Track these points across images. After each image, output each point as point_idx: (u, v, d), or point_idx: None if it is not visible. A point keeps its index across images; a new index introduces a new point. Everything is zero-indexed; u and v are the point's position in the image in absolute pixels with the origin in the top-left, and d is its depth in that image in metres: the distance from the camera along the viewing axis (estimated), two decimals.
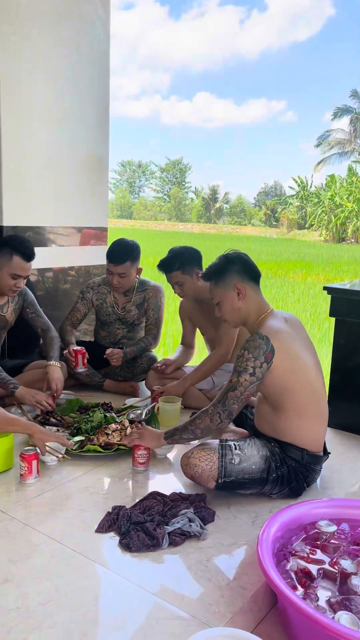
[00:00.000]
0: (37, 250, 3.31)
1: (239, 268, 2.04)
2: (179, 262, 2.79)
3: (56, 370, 2.70)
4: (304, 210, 42.76)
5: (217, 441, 1.97)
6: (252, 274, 2.06)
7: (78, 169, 3.60)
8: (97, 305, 3.14)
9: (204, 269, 2.19)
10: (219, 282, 2.06)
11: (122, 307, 3.12)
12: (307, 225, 41.44)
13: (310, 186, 43.78)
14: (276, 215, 48.63)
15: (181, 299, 3.03)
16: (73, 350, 2.85)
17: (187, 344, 3.15)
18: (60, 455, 2.15)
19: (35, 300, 2.89)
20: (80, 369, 2.86)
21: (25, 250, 2.58)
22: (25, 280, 2.66)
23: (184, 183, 66.33)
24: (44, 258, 3.41)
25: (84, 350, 2.86)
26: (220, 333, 2.77)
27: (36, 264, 3.25)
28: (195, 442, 2.00)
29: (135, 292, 3.12)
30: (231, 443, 1.95)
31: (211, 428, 1.95)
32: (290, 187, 46.48)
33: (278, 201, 48.60)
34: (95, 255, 3.82)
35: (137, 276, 3.09)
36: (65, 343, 2.99)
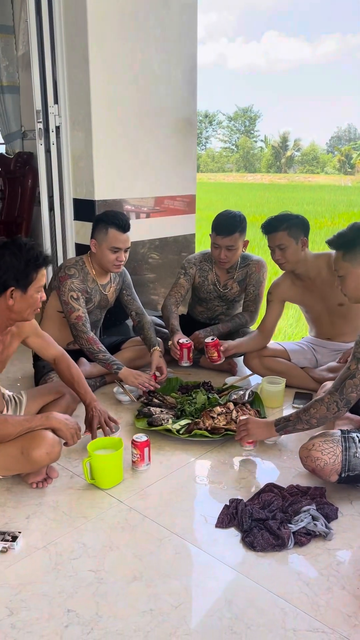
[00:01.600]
0: None
1: None
2: (286, 222, 2.56)
3: (160, 355, 2.73)
4: None
5: (338, 432, 1.86)
6: None
7: (167, 136, 3.46)
8: (199, 282, 3.01)
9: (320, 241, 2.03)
10: (348, 254, 1.90)
11: (224, 284, 2.99)
12: None
13: None
14: (351, 161, 46.07)
15: (276, 280, 2.77)
16: (178, 343, 2.75)
17: (266, 331, 2.76)
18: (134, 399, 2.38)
19: (132, 284, 2.84)
20: (185, 363, 2.76)
21: (119, 221, 2.52)
22: (126, 254, 2.60)
23: (252, 132, 64.00)
24: (135, 231, 3.34)
25: (191, 344, 2.75)
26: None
27: None
28: (317, 435, 1.90)
29: (237, 268, 2.97)
30: (354, 435, 1.83)
31: (328, 417, 1.85)
32: None
33: (353, 146, 45.91)
34: (185, 225, 3.71)
35: (244, 249, 2.93)
36: (170, 328, 2.89)
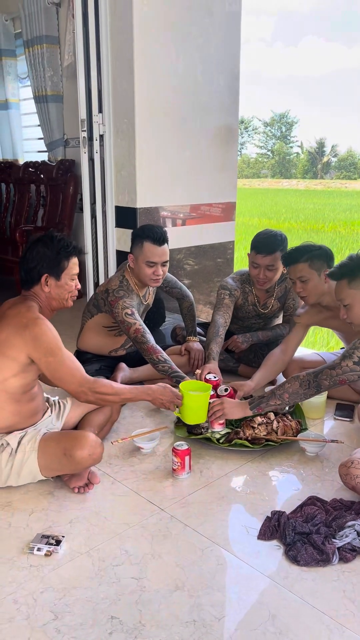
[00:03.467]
0: (167, 230, 3.29)
1: None
2: (308, 254, 2.41)
3: (195, 343, 2.85)
4: None
5: None
6: None
7: (208, 143, 3.47)
8: (240, 304, 2.93)
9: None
10: (353, 281, 1.96)
11: (264, 304, 2.94)
12: None
13: None
14: None
15: (300, 310, 2.64)
16: (205, 378, 2.50)
17: (288, 351, 2.62)
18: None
19: (168, 276, 2.86)
20: (220, 428, 2.35)
21: (154, 234, 2.50)
22: (165, 268, 2.57)
23: (289, 137, 63.60)
24: (174, 238, 3.36)
25: (218, 382, 2.52)
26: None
27: None
28: (358, 452, 1.86)
29: (276, 285, 2.90)
30: None
31: (299, 393, 2.02)
32: None
33: None
34: (223, 233, 3.71)
35: (284, 269, 2.80)
36: (207, 352, 2.69)
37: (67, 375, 1.87)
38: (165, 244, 2.54)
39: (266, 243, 2.71)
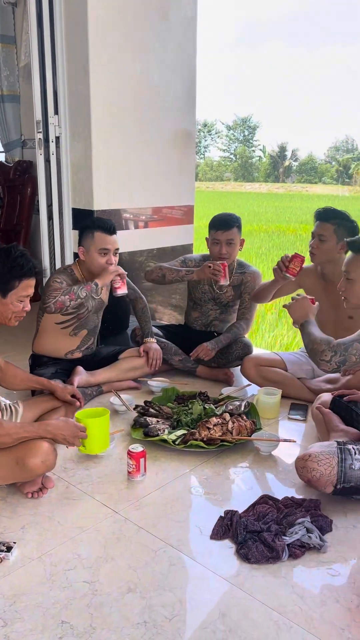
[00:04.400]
0: (125, 233, 3.30)
1: None
2: (339, 219, 2.59)
3: (153, 344, 2.87)
4: None
5: (334, 443, 1.87)
6: None
7: (166, 146, 3.49)
8: (194, 280, 3.05)
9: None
10: None
11: (219, 286, 3.04)
12: None
13: None
14: (349, 172, 46.36)
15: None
16: (220, 263, 2.78)
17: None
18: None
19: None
20: (226, 282, 2.80)
21: (104, 224, 2.61)
22: (116, 258, 2.65)
23: (251, 141, 64.37)
24: (132, 241, 3.37)
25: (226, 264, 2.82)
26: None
27: (124, 247, 3.23)
28: (314, 447, 1.90)
29: (234, 272, 3.04)
30: (350, 447, 1.84)
31: (317, 351, 1.92)
32: None
33: (351, 157, 46.22)
34: (183, 235, 3.73)
35: (240, 248, 3.01)
36: (177, 272, 2.93)
37: None
38: (115, 235, 2.62)
39: (224, 219, 2.93)
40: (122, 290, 2.63)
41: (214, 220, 2.97)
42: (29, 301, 1.94)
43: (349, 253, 2.06)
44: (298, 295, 2.36)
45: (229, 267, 2.93)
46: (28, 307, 1.94)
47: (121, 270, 2.61)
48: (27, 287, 1.90)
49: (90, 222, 2.65)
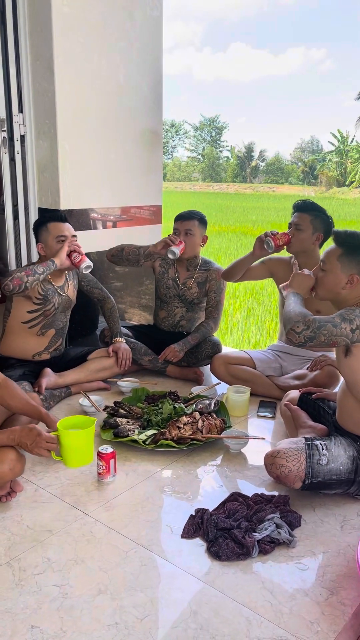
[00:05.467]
0: (93, 233, 3.29)
1: None
2: (317, 212, 2.66)
3: (122, 344, 2.88)
4: (343, 166, 41.24)
5: (302, 439, 1.90)
6: None
7: (133, 146, 3.47)
8: (159, 273, 3.11)
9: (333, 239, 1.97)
10: (347, 256, 1.86)
11: (183, 282, 3.06)
12: (347, 183, 40.03)
13: (351, 141, 42.05)
14: (314, 172, 47.10)
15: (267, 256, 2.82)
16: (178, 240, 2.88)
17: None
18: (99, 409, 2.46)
19: (89, 274, 2.86)
20: (177, 250, 2.84)
21: (54, 215, 2.67)
22: (73, 239, 2.64)
23: (219, 142, 64.72)
24: (100, 240, 3.34)
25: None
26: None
27: (92, 246, 3.20)
28: (282, 443, 1.92)
29: (198, 269, 3.06)
30: (318, 443, 1.87)
31: (292, 320, 1.83)
32: (330, 142, 44.88)
33: (316, 157, 46.96)
34: (151, 235, 3.72)
35: (202, 244, 3.05)
36: (140, 249, 3.03)
37: None
38: (68, 223, 2.65)
39: (186, 212, 3.06)
40: (85, 263, 2.60)
41: (177, 214, 3.06)
42: None
43: (331, 244, 1.98)
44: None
45: (192, 263, 3.02)
46: None
47: (75, 242, 2.62)
48: None
49: (41, 217, 2.74)
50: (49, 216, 2.68)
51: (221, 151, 64.34)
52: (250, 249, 2.75)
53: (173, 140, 68.95)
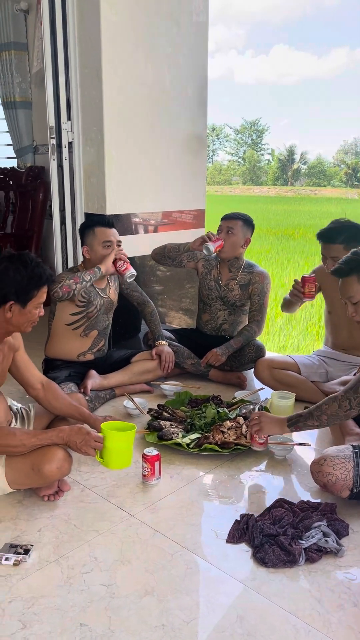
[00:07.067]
0: (137, 237, 3.33)
1: None
2: (345, 235, 2.54)
3: (165, 347, 2.89)
4: None
5: (350, 447, 1.86)
6: None
7: (177, 151, 3.50)
8: (202, 274, 3.11)
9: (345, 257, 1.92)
10: None
11: (225, 283, 3.05)
12: None
13: None
14: (358, 174, 46.19)
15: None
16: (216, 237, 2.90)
17: None
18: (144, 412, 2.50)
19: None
20: (212, 247, 2.83)
21: (102, 220, 2.71)
22: (119, 248, 2.68)
23: (260, 145, 64.36)
24: (143, 245, 3.38)
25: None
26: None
27: (135, 251, 3.24)
28: (328, 450, 1.90)
29: (241, 271, 3.04)
30: None
31: (339, 415, 1.84)
32: None
33: None
34: (194, 239, 3.73)
35: (244, 246, 3.02)
36: (183, 245, 3.05)
37: None
38: (114, 228, 2.70)
39: (231, 213, 3.04)
40: (129, 272, 2.65)
41: (225, 214, 3.07)
42: (42, 306, 1.95)
43: (340, 281, 1.94)
44: (253, 410, 2.43)
45: (235, 264, 3.04)
46: (42, 313, 1.94)
47: (122, 251, 2.65)
48: (43, 294, 1.89)
49: (88, 221, 2.76)
50: (96, 220, 2.72)
51: (262, 154, 63.98)
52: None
53: (214, 144, 68.99)
